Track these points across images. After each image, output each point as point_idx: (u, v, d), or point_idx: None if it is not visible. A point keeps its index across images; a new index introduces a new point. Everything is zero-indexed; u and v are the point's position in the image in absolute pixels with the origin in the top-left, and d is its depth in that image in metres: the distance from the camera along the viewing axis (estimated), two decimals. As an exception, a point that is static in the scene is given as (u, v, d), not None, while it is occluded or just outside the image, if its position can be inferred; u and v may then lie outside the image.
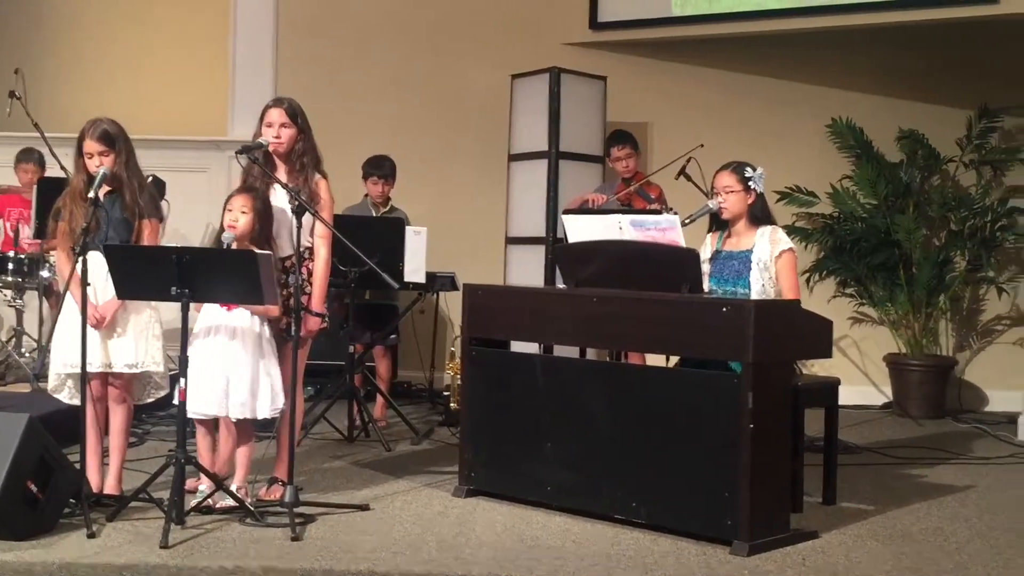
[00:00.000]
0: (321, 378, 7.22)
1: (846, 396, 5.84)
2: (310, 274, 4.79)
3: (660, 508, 4.43)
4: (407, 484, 5.24)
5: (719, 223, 5.09)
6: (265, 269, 4.28)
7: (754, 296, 4.85)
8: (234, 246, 4.54)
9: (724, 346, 4.31)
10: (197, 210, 7.29)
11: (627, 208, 6.56)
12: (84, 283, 4.36)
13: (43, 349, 6.45)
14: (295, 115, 4.82)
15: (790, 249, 4.95)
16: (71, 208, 4.62)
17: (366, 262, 4.67)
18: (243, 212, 4.64)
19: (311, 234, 4.77)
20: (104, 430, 4.73)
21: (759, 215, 4.98)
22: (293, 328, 4.53)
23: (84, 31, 8.77)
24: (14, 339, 7.16)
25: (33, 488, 4.14)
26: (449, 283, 6.99)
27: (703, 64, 8.41)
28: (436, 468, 5.58)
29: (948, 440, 6.78)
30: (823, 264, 8.09)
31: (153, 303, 4.66)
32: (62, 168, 6.63)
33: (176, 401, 4.41)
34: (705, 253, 5.04)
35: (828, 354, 4.68)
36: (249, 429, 4.75)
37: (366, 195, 7.11)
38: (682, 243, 4.77)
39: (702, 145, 6.56)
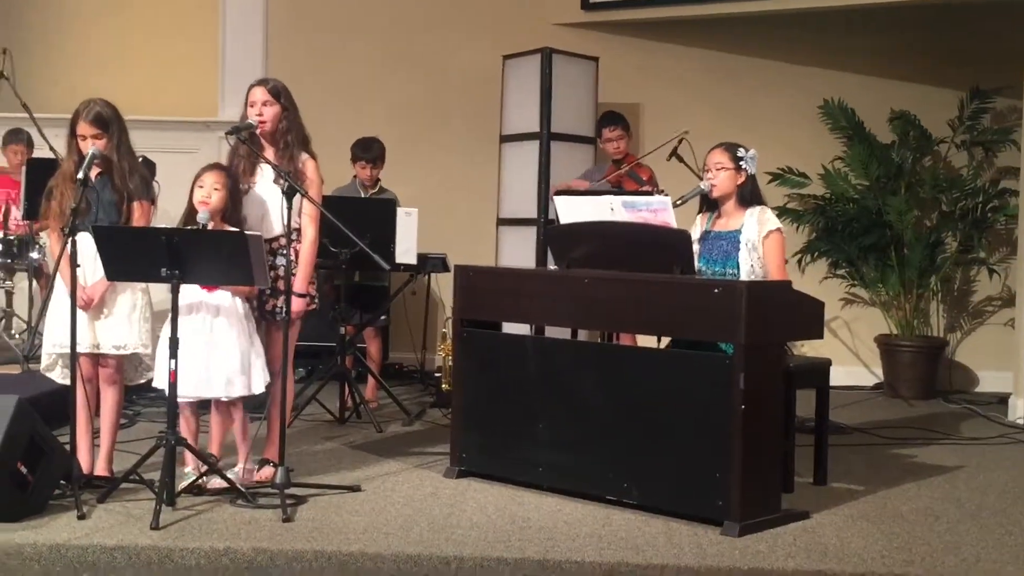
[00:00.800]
0: (312, 359, 7.21)
1: (837, 377, 5.87)
2: (297, 255, 4.77)
3: (651, 489, 4.43)
4: (398, 465, 5.24)
5: (709, 204, 5.08)
6: (255, 250, 4.27)
7: (743, 276, 4.85)
8: (210, 225, 4.52)
9: (716, 327, 4.32)
10: (187, 191, 7.24)
11: (618, 189, 6.55)
12: (74, 264, 4.35)
13: (32, 330, 6.43)
14: (278, 94, 4.80)
15: (778, 229, 4.94)
16: (62, 189, 4.60)
17: (357, 243, 4.65)
18: (215, 189, 4.62)
19: (299, 215, 4.75)
20: (95, 411, 4.72)
21: (748, 196, 4.97)
22: (284, 309, 4.52)
23: (73, 11, 8.71)
24: (4, 320, 7.14)
25: (23, 470, 4.13)
26: (440, 264, 6.98)
27: (695, 45, 8.38)
28: (428, 449, 5.58)
29: (939, 420, 6.80)
30: (814, 245, 8.09)
31: (143, 284, 4.64)
32: (51, 149, 6.60)
33: (166, 383, 4.39)
34: (695, 233, 5.03)
35: (820, 335, 4.68)
36: (237, 407, 4.73)
37: (355, 176, 7.09)
38: (674, 224, 4.76)
39: (687, 132, 6.56)
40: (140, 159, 4.89)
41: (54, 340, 4.60)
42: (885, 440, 6.13)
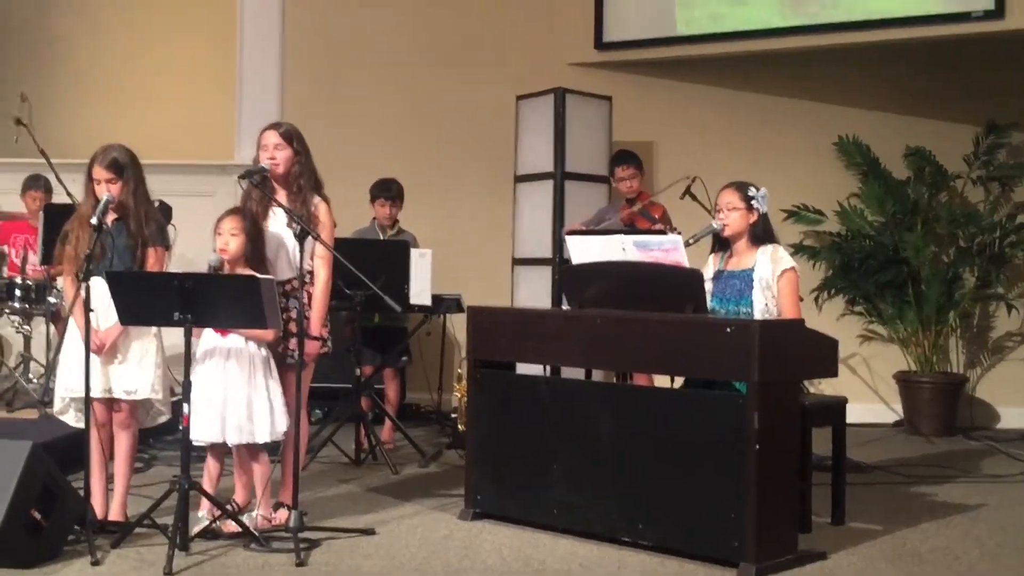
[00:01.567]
0: (329, 401, 7.21)
1: (857, 414, 5.83)
2: (311, 298, 4.79)
3: (666, 530, 4.40)
4: (413, 507, 5.22)
5: (721, 244, 5.07)
6: (267, 293, 4.28)
7: (757, 315, 4.83)
8: (226, 269, 4.54)
9: (729, 366, 4.30)
10: (204, 235, 7.24)
11: (631, 228, 6.55)
12: (87, 309, 4.37)
13: (48, 374, 6.45)
14: (290, 138, 4.82)
15: (792, 268, 4.92)
16: (78, 233, 4.63)
17: (369, 286, 4.66)
18: (232, 235, 4.64)
19: (311, 257, 4.76)
20: (109, 455, 4.72)
21: (760, 234, 4.96)
22: (296, 352, 4.52)
23: (90, 57, 8.82)
24: (21, 365, 7.16)
25: (37, 515, 4.13)
26: (455, 305, 6.98)
27: (708, 83, 8.40)
28: (443, 491, 5.56)
29: (959, 458, 6.74)
30: (831, 282, 8.05)
31: (155, 329, 4.66)
32: (68, 195, 6.64)
33: (180, 427, 4.40)
34: (708, 273, 5.02)
35: (834, 373, 4.65)
36: (259, 452, 4.73)
37: (374, 219, 7.12)
38: (686, 263, 4.75)
39: (695, 178, 6.56)
40: (156, 203, 4.92)
41: (67, 384, 4.62)
42: (904, 478, 6.07)
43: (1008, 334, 8.16)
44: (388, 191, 7.05)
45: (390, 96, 8.49)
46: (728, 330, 4.29)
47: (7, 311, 7.00)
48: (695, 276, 4.71)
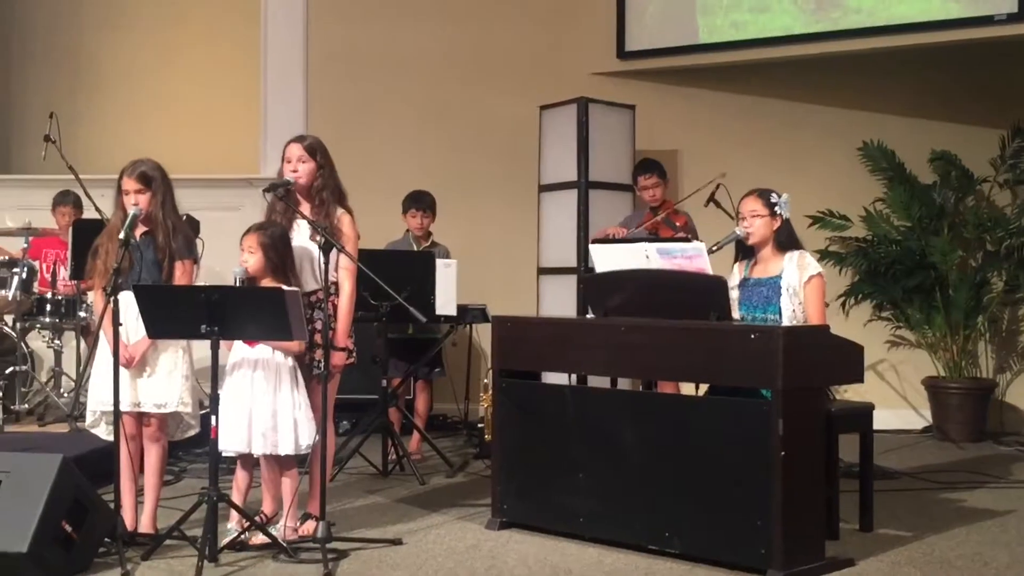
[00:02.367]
0: (357, 412, 7.23)
1: (885, 420, 5.80)
2: (336, 309, 4.81)
3: (693, 538, 4.40)
4: (440, 518, 5.24)
5: (745, 252, 5.07)
6: (293, 305, 4.32)
7: (785, 322, 4.83)
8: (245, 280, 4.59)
9: (753, 373, 4.29)
10: (231, 248, 7.29)
11: (654, 236, 6.55)
12: (116, 323, 4.42)
13: (78, 388, 6.51)
14: (314, 151, 4.86)
15: (819, 274, 4.92)
16: (107, 247, 4.67)
17: (394, 297, 4.68)
18: (250, 252, 4.67)
19: (335, 269, 4.80)
20: (139, 468, 4.76)
21: (785, 241, 4.97)
22: (322, 363, 4.55)
23: (117, 73, 8.91)
24: (52, 380, 7.23)
25: (67, 528, 4.16)
26: (480, 315, 7.00)
27: (731, 91, 8.40)
28: (470, 501, 5.57)
29: (989, 464, 6.69)
30: (858, 288, 8.03)
31: (184, 342, 4.70)
32: (97, 210, 6.70)
33: (209, 439, 4.44)
34: (732, 281, 5.02)
35: (860, 379, 4.63)
36: (287, 463, 4.75)
37: (407, 231, 7.14)
38: (709, 271, 4.75)
39: (724, 175, 6.56)
40: (184, 217, 4.96)
41: (97, 398, 4.67)
42: (934, 484, 6.04)
43: (1037, 338, 8.11)
44: (420, 202, 7.08)
45: (413, 108, 8.53)
46: (752, 337, 4.29)
47: (38, 326, 7.07)
48: (719, 283, 4.71)
